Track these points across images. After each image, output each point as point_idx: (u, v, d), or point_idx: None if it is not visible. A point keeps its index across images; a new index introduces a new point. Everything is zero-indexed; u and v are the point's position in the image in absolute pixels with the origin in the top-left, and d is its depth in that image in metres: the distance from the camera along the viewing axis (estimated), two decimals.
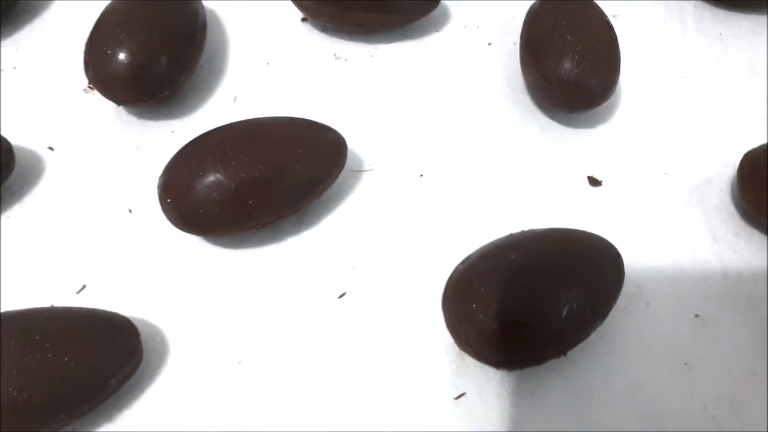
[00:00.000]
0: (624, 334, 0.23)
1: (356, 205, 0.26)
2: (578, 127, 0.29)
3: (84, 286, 0.24)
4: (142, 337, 0.21)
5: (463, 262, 0.22)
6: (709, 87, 0.30)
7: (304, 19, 0.31)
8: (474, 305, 0.20)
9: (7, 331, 0.19)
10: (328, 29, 0.31)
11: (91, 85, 0.27)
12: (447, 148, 0.28)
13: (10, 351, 0.19)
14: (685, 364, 0.23)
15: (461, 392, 0.22)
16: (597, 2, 0.30)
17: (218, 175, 0.22)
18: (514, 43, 0.30)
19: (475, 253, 0.22)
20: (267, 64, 0.30)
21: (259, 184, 0.23)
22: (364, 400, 0.22)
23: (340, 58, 0.30)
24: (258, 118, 0.25)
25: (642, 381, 0.22)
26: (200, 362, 0.22)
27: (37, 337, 0.19)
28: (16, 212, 0.25)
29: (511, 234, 0.23)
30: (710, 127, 0.29)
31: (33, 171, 0.26)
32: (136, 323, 0.22)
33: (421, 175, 0.27)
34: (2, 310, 0.21)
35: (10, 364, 0.19)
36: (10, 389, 0.19)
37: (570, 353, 0.21)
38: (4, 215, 0.25)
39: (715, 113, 0.29)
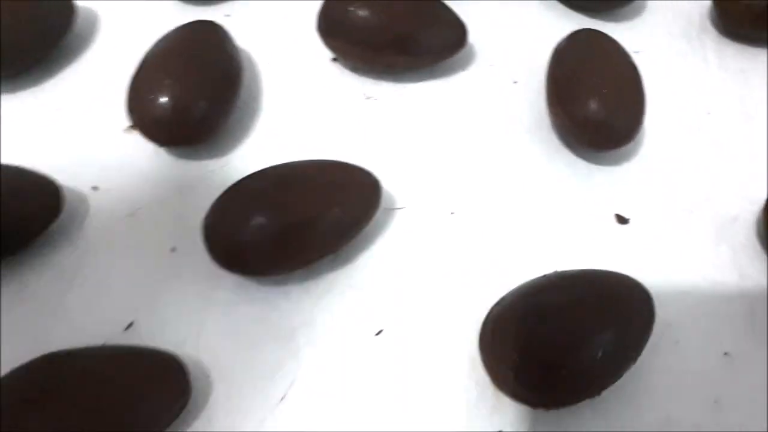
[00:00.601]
0: (654, 372, 0.24)
1: (390, 243, 0.27)
2: (604, 164, 0.29)
3: (131, 324, 0.24)
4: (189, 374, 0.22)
5: (498, 303, 0.23)
6: (733, 123, 0.31)
7: (334, 59, 0.32)
8: (511, 348, 0.21)
9: (66, 370, 0.20)
10: (359, 69, 0.32)
11: (132, 126, 0.28)
12: (476, 185, 0.28)
13: (69, 390, 0.20)
14: (715, 401, 0.23)
15: (497, 430, 0.22)
16: (620, 37, 0.31)
17: (263, 219, 0.23)
18: (540, 81, 0.31)
19: (510, 294, 0.23)
20: (300, 103, 0.31)
21: (301, 227, 0.24)
22: None
23: (370, 97, 0.31)
24: (297, 162, 0.26)
25: (673, 418, 0.23)
26: (244, 399, 0.23)
27: (95, 376, 0.20)
28: (65, 251, 0.26)
29: (545, 275, 0.23)
30: (734, 164, 0.30)
31: (80, 211, 0.27)
32: (181, 360, 0.22)
33: (452, 213, 0.28)
34: (57, 349, 0.22)
35: (68, 404, 0.20)
36: (69, 429, 0.19)
37: (603, 393, 0.22)
38: (54, 254, 0.26)
39: (739, 150, 0.30)
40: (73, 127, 0.29)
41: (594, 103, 0.27)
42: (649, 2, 0.35)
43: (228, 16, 0.33)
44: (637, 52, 0.32)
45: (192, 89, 0.27)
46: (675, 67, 0.33)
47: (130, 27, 0.33)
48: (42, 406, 0.20)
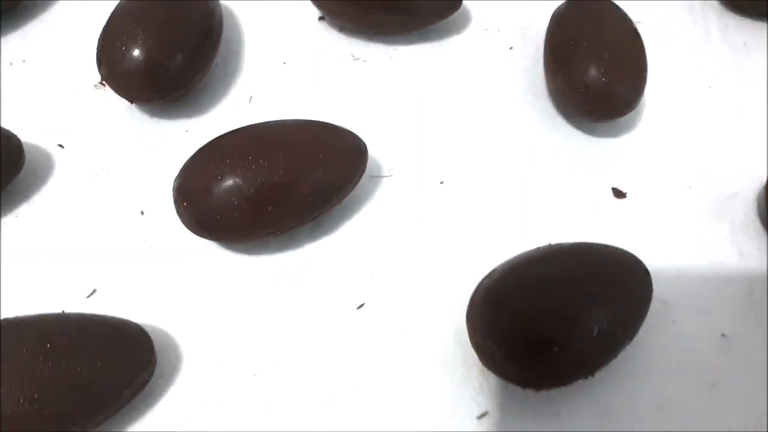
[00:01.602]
0: (650, 353, 0.23)
1: (375, 212, 0.25)
2: (601, 136, 0.28)
3: (94, 291, 0.23)
4: (156, 345, 0.21)
5: (488, 276, 0.21)
6: (734, 98, 0.30)
7: (321, 18, 0.30)
8: (500, 323, 0.20)
9: (17, 338, 0.19)
10: (346, 29, 0.30)
11: (102, 82, 0.26)
12: (467, 155, 0.27)
13: (21, 359, 0.18)
14: (712, 384, 0.22)
15: (484, 411, 0.21)
16: (621, 6, 0.29)
17: (237, 180, 0.22)
18: (537, 47, 0.30)
19: (500, 266, 0.21)
20: (283, 63, 0.29)
21: (279, 189, 0.22)
22: (382, 416, 0.21)
23: (358, 59, 0.29)
24: (278, 121, 0.24)
25: (669, 401, 0.22)
26: (214, 372, 0.22)
27: (49, 346, 0.19)
28: (25, 211, 0.25)
29: (538, 248, 0.22)
30: (735, 139, 0.28)
31: (42, 169, 0.26)
32: (147, 330, 0.21)
33: (442, 182, 0.26)
34: (12, 315, 0.20)
35: (22, 373, 0.18)
36: (21, 400, 0.18)
37: (596, 374, 0.21)
38: (12, 214, 0.24)
39: (740, 125, 0.29)
40: (40, 82, 0.28)
41: (594, 69, 0.26)
42: None
43: None
44: (638, 22, 0.31)
45: (167, 42, 0.25)
46: (676, 39, 0.32)
47: None
48: None
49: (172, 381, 0.21)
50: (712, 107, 0.29)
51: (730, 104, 0.29)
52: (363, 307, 0.23)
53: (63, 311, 0.21)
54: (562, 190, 0.26)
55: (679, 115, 0.29)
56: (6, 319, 0.20)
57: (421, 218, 0.25)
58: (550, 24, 0.29)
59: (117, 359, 0.20)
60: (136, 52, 0.25)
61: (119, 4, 0.27)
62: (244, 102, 0.28)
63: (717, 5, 0.33)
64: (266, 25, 0.30)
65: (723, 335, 0.23)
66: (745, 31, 0.32)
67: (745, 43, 0.32)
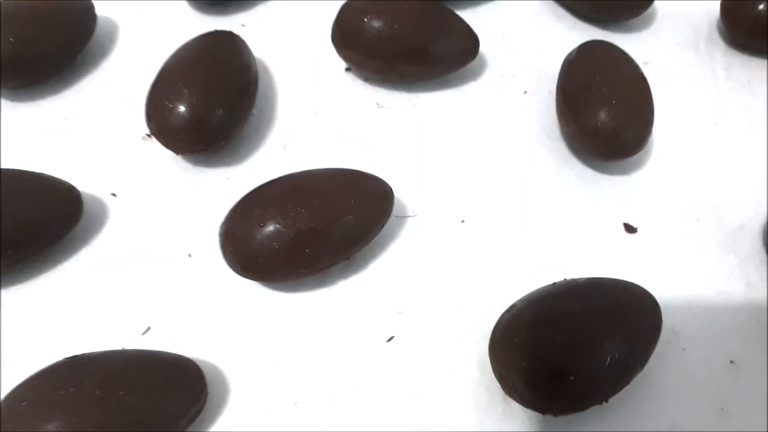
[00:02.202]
0: (661, 380, 0.24)
1: (402, 251, 0.27)
2: (613, 174, 0.30)
3: (149, 328, 0.25)
4: (205, 377, 0.23)
5: (508, 311, 0.23)
6: (740, 134, 0.31)
7: (347, 69, 0.33)
8: (521, 354, 0.21)
9: (87, 374, 0.21)
10: (371, 79, 0.32)
11: (150, 133, 0.29)
12: (486, 194, 0.29)
13: (89, 393, 0.20)
14: (722, 409, 0.24)
15: None
16: (629, 48, 0.31)
17: (278, 226, 0.24)
18: (549, 91, 0.32)
19: (519, 302, 0.23)
20: (314, 112, 0.31)
21: (315, 233, 0.24)
22: None
23: (382, 107, 0.32)
24: (312, 170, 0.26)
25: (679, 426, 0.23)
26: (259, 401, 0.24)
27: (115, 380, 0.21)
28: (84, 256, 0.27)
29: (554, 283, 0.24)
30: (741, 173, 0.30)
31: (98, 216, 0.28)
32: (198, 364, 0.23)
33: (463, 221, 0.28)
34: (77, 351, 0.22)
35: (90, 405, 0.20)
36: (90, 429, 0.20)
37: (610, 400, 0.22)
38: (73, 259, 0.27)
39: (745, 160, 0.30)
40: (93, 135, 0.30)
41: (604, 113, 0.28)
42: (658, 14, 0.36)
43: (244, 26, 0.34)
44: (646, 63, 0.33)
45: (209, 98, 0.28)
46: (683, 78, 0.33)
47: (148, 36, 0.33)
48: (64, 407, 0.20)
49: (221, 410, 0.23)
50: (718, 143, 0.31)
51: (735, 140, 0.31)
52: (393, 339, 0.25)
53: (123, 348, 0.23)
54: (577, 226, 0.28)
55: (687, 152, 0.31)
56: (75, 356, 0.22)
57: (445, 255, 0.27)
58: (561, 69, 0.31)
59: (173, 391, 0.22)
60: (181, 109, 0.27)
61: (165, 63, 0.29)
62: (279, 149, 0.30)
63: (722, 44, 0.35)
64: (298, 77, 0.32)
65: (731, 362, 0.25)
66: (749, 68, 0.34)
67: (749, 81, 0.33)
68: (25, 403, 0.20)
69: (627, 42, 0.33)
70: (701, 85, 0.33)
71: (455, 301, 0.26)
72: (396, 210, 0.27)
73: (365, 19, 0.30)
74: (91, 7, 0.32)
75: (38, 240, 0.26)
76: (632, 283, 0.24)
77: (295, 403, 0.24)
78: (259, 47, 0.32)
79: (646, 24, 0.35)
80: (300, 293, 0.26)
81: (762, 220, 0.28)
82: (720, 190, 0.29)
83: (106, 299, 0.26)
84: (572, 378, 0.21)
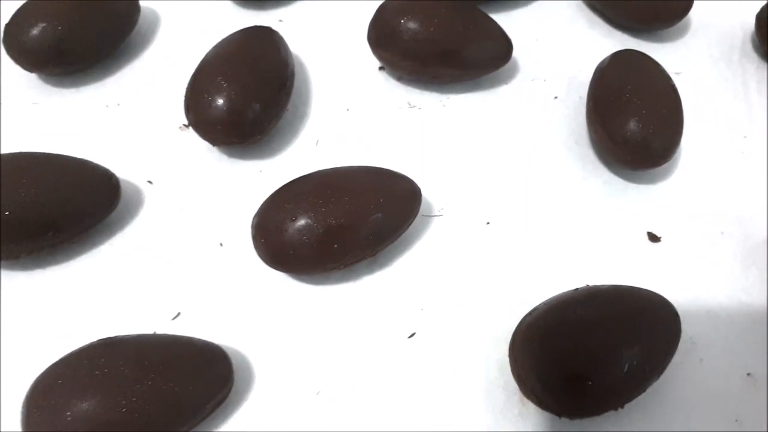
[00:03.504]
0: (678, 389, 0.25)
1: (427, 250, 0.28)
2: (640, 182, 0.30)
3: (179, 314, 0.26)
4: (232, 364, 0.24)
5: (530, 314, 0.24)
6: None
7: (381, 68, 0.33)
8: (540, 358, 0.22)
9: (120, 356, 0.22)
10: (404, 78, 0.33)
11: (187, 124, 0.29)
12: (513, 197, 0.29)
13: (123, 375, 0.21)
14: (736, 420, 0.24)
15: None
16: (662, 58, 0.32)
17: (308, 220, 0.24)
18: (580, 97, 0.32)
19: (541, 305, 0.24)
20: (347, 110, 0.32)
21: (344, 229, 0.25)
22: None
23: (414, 106, 0.32)
24: (342, 167, 0.27)
25: None
26: (283, 389, 0.25)
27: (146, 363, 0.22)
28: (119, 241, 0.28)
29: (576, 289, 0.24)
30: (766, 187, 0.30)
31: (134, 203, 0.29)
32: (226, 351, 0.24)
33: (488, 223, 0.29)
34: (111, 334, 0.23)
35: (123, 385, 0.21)
36: (124, 410, 0.21)
37: (626, 406, 0.23)
38: (108, 243, 0.28)
39: None
40: (132, 123, 0.31)
41: (633, 122, 0.28)
42: (692, 25, 0.36)
43: (281, 21, 0.35)
44: (678, 73, 0.33)
45: (246, 92, 0.28)
46: (714, 90, 0.34)
47: (189, 29, 0.34)
48: (97, 387, 0.21)
49: (247, 396, 0.24)
50: (746, 156, 0.31)
51: (763, 154, 0.31)
52: (414, 336, 0.26)
53: (155, 332, 0.24)
54: (601, 233, 0.28)
55: (714, 164, 0.31)
56: (109, 338, 0.23)
57: (469, 256, 0.28)
58: (593, 76, 0.31)
59: (201, 376, 0.23)
60: (220, 102, 0.28)
61: (205, 56, 0.30)
62: (312, 145, 0.31)
63: (755, 57, 0.35)
64: (332, 74, 0.33)
65: (748, 374, 0.25)
66: None
67: None
68: (60, 381, 0.21)
69: (660, 51, 0.34)
70: (732, 97, 0.33)
71: (477, 301, 0.26)
72: (423, 209, 0.28)
73: (401, 20, 0.30)
74: None
75: (77, 223, 0.27)
76: (653, 292, 0.24)
77: (318, 393, 0.24)
78: (295, 43, 0.33)
79: (680, 34, 0.35)
80: (326, 286, 0.27)
81: None
82: (745, 202, 0.30)
83: (140, 284, 0.27)
84: (589, 382, 0.21)
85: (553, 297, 0.24)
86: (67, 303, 0.26)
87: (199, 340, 0.24)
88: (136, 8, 0.33)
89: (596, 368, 0.22)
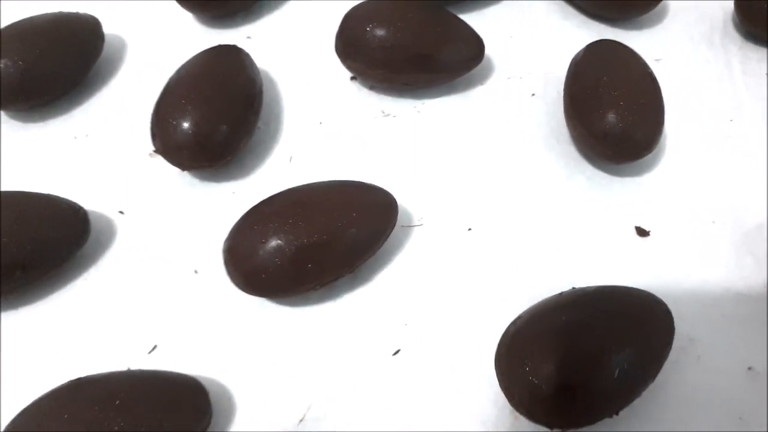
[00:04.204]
0: (675, 389, 0.24)
1: (407, 261, 0.27)
2: (624, 176, 0.29)
3: (155, 347, 0.25)
4: (210, 396, 0.23)
5: (514, 323, 0.23)
6: (756, 130, 0.30)
7: (353, 78, 0.32)
8: (527, 368, 0.21)
9: (90, 397, 0.21)
10: (376, 87, 0.32)
11: (155, 151, 0.29)
12: (494, 201, 0.29)
13: (93, 416, 0.21)
14: (740, 418, 0.23)
15: None
16: (641, 45, 0.31)
17: (279, 242, 0.24)
18: (558, 92, 0.31)
19: (525, 313, 0.23)
20: (319, 123, 0.31)
21: (317, 248, 0.24)
22: None
23: (388, 114, 0.31)
24: (313, 184, 0.26)
25: None
26: (264, 419, 0.24)
27: (118, 402, 0.21)
28: (92, 275, 0.27)
29: (561, 293, 0.23)
30: (758, 171, 0.29)
31: (105, 234, 0.28)
32: (203, 381, 0.23)
33: (470, 229, 0.28)
34: (84, 371, 0.23)
35: (95, 428, 0.20)
36: None
37: (621, 412, 0.22)
38: (82, 278, 0.27)
39: (762, 157, 0.29)
40: (101, 154, 0.31)
41: (612, 115, 0.27)
42: (670, 9, 0.35)
43: (249, 38, 0.34)
44: (658, 59, 0.32)
45: (213, 114, 0.28)
46: (697, 74, 0.33)
47: (156, 52, 0.34)
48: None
49: (227, 428, 0.23)
50: (734, 140, 0.30)
51: (751, 137, 0.30)
52: (399, 353, 0.25)
53: (128, 368, 0.24)
54: (587, 232, 0.27)
55: (701, 150, 0.30)
56: (79, 379, 0.22)
57: (451, 265, 0.27)
58: (568, 71, 0.30)
59: (177, 411, 0.22)
60: (185, 126, 0.27)
61: (168, 81, 0.29)
62: (285, 162, 0.30)
63: (737, 37, 0.34)
64: (303, 88, 0.32)
65: (750, 368, 0.24)
66: (766, 62, 0.33)
67: (766, 74, 0.32)
68: (29, 429, 0.21)
69: (638, 39, 0.33)
70: (716, 80, 0.32)
71: (462, 312, 0.26)
72: (402, 219, 0.27)
73: (367, 28, 0.29)
74: (99, 25, 0.33)
75: (47, 261, 0.26)
76: (642, 290, 0.23)
77: (301, 420, 0.24)
78: (264, 59, 0.32)
79: (658, 19, 0.35)
80: (305, 307, 0.26)
81: None
82: (736, 189, 0.29)
83: (115, 318, 0.26)
84: (580, 391, 0.20)
85: (537, 303, 0.23)
86: (40, 343, 0.25)
87: (174, 373, 0.23)
88: (100, 36, 0.33)
89: (586, 376, 0.21)
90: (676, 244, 0.27)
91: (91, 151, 0.31)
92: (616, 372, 0.21)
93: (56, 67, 0.31)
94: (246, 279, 0.24)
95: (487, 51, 0.31)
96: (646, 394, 0.22)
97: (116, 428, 0.21)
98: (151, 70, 0.33)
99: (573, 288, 0.24)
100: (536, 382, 0.21)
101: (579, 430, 0.22)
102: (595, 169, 0.29)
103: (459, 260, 0.27)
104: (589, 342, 0.21)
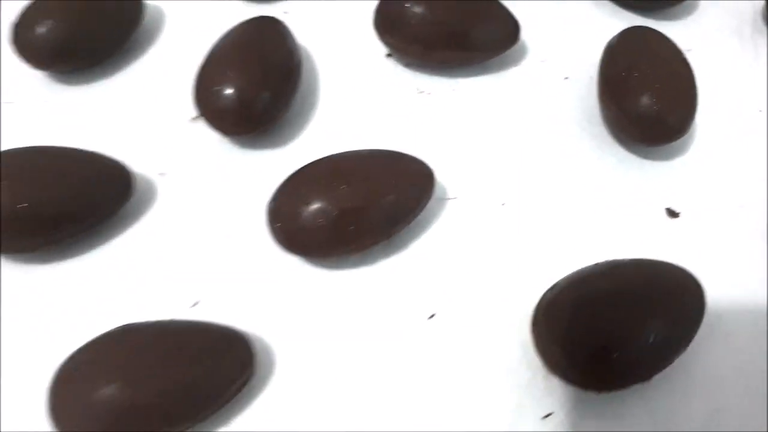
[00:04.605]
0: (705, 363, 0.24)
1: (442, 232, 0.28)
2: (655, 159, 0.30)
3: (197, 302, 0.26)
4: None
5: (551, 289, 0.23)
6: None
7: (388, 55, 0.33)
8: (564, 330, 0.22)
9: (140, 341, 0.22)
10: (412, 65, 0.33)
11: (198, 116, 0.29)
12: (527, 178, 0.29)
13: (143, 360, 0.21)
14: (766, 392, 0.24)
15: (549, 412, 0.23)
16: (671, 35, 0.31)
17: (322, 203, 0.24)
18: (591, 77, 0.32)
19: (562, 280, 0.24)
20: (356, 98, 0.32)
21: (358, 212, 0.25)
22: (454, 416, 0.23)
23: (423, 92, 0.32)
24: (355, 151, 0.27)
25: (722, 408, 0.23)
26: (304, 373, 0.24)
27: (166, 348, 0.22)
28: (134, 233, 0.28)
29: (596, 263, 0.24)
30: None
31: (148, 195, 0.29)
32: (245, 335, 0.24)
33: (503, 204, 0.28)
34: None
35: (144, 371, 0.21)
36: (146, 395, 0.21)
37: (653, 379, 0.22)
38: (124, 236, 0.28)
39: None
40: (143, 118, 0.31)
41: (646, 98, 0.28)
42: (701, 1, 0.35)
43: (286, 13, 0.35)
44: (688, 50, 0.32)
45: (255, 82, 0.28)
46: (727, 66, 0.33)
47: (194, 23, 0.34)
48: (118, 372, 0.21)
49: (268, 380, 0.24)
50: (762, 130, 0.31)
51: None
52: (434, 317, 0.25)
53: (173, 319, 0.24)
54: (618, 212, 0.28)
55: (731, 138, 0.30)
56: (128, 324, 0.23)
57: (485, 237, 0.27)
58: (603, 55, 0.31)
59: (222, 360, 0.22)
60: (229, 92, 0.28)
61: (212, 48, 0.30)
62: (322, 133, 0.31)
63: (766, 31, 0.35)
64: (340, 64, 0.33)
65: None
66: None
67: None
68: (82, 366, 0.21)
69: (669, 29, 0.33)
70: (745, 72, 0.33)
71: (496, 280, 0.26)
72: (437, 193, 0.28)
73: (407, 5, 0.30)
74: None
75: (92, 215, 0.26)
76: (675, 265, 0.24)
77: (338, 375, 0.24)
78: (301, 34, 0.32)
79: (689, 11, 0.35)
80: (343, 271, 0.27)
81: None
82: (763, 175, 0.29)
83: (156, 274, 0.27)
84: (615, 354, 0.21)
85: (574, 272, 0.24)
86: (84, 294, 0.26)
87: (218, 325, 0.24)
88: (140, 5, 0.33)
89: (621, 340, 0.21)
90: (705, 226, 0.28)
91: (133, 115, 0.31)
92: (651, 338, 0.21)
93: (99, 32, 0.31)
94: (289, 238, 0.25)
95: (522, 34, 0.32)
96: (677, 365, 0.23)
97: (162, 373, 0.21)
98: (189, 40, 0.33)
99: (607, 260, 0.24)
100: (573, 344, 0.21)
101: (611, 393, 0.22)
102: (627, 151, 0.30)
103: (493, 233, 0.28)
104: (626, 308, 0.22)
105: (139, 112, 0.31)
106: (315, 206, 0.24)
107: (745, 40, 0.34)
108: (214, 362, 0.22)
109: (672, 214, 0.28)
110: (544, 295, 0.23)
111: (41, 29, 0.30)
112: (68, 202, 0.25)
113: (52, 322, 0.25)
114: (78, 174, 0.26)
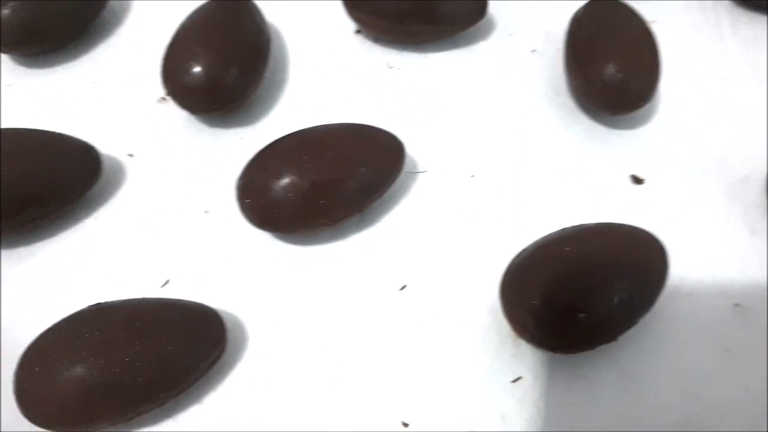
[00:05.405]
0: (669, 322, 0.25)
1: (413, 204, 0.28)
2: (621, 128, 0.30)
3: (167, 281, 0.26)
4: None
5: (518, 255, 0.24)
6: (745, 89, 0.32)
7: (358, 31, 0.33)
8: (531, 294, 0.22)
9: (112, 319, 0.22)
10: (382, 40, 0.33)
11: (164, 96, 0.29)
12: (496, 150, 0.29)
13: (115, 337, 0.21)
14: (726, 350, 0.25)
15: (518, 376, 0.24)
16: (635, 7, 0.32)
17: (293, 178, 0.24)
18: (557, 49, 0.32)
19: (530, 246, 0.24)
20: (325, 74, 0.32)
21: (329, 185, 0.25)
22: (426, 384, 0.24)
23: (393, 67, 0.32)
24: (325, 125, 0.27)
25: (686, 366, 0.24)
26: (276, 348, 0.25)
27: (138, 325, 0.22)
28: (103, 214, 0.28)
29: (563, 228, 0.24)
30: (746, 127, 0.30)
31: (116, 176, 0.29)
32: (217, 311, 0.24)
33: (473, 176, 0.29)
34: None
35: (116, 347, 0.21)
36: (119, 371, 0.21)
37: (619, 340, 0.23)
38: (92, 217, 0.28)
39: (750, 114, 0.31)
40: (110, 98, 0.31)
41: (610, 66, 0.28)
42: None
43: None
44: (652, 21, 0.33)
45: (223, 59, 0.28)
46: (690, 36, 0.34)
47: (161, 3, 0.34)
48: (90, 349, 0.21)
49: (240, 356, 0.24)
50: (724, 98, 0.31)
51: (741, 95, 0.31)
52: (405, 288, 0.26)
53: (144, 297, 0.24)
54: (585, 178, 0.29)
55: (693, 106, 0.31)
56: (98, 304, 0.23)
57: (455, 208, 0.28)
58: (569, 26, 0.31)
59: (194, 336, 0.23)
60: (197, 69, 0.28)
61: (180, 26, 0.30)
62: (291, 110, 0.31)
63: (728, 3, 0.35)
64: (309, 40, 0.33)
65: (736, 305, 0.25)
66: (755, 25, 0.34)
67: (755, 37, 0.34)
68: (52, 345, 0.21)
69: (634, 1, 0.34)
70: (708, 42, 0.34)
71: (465, 250, 0.27)
72: (408, 166, 0.28)
73: None
74: None
75: (60, 197, 0.26)
76: (639, 228, 0.24)
77: (310, 349, 0.24)
78: (270, 11, 0.32)
79: None
80: (315, 246, 0.27)
81: (766, 171, 0.29)
82: (725, 142, 0.30)
83: (126, 255, 0.27)
84: (582, 315, 0.21)
85: (540, 238, 0.24)
86: (54, 275, 0.26)
87: (190, 302, 0.24)
88: None
89: (587, 301, 0.22)
90: (668, 191, 0.28)
91: (99, 97, 0.31)
92: (616, 299, 0.22)
93: (63, 13, 0.31)
94: (259, 213, 0.25)
95: (490, 9, 0.32)
96: (642, 325, 0.23)
97: (135, 349, 0.21)
98: (156, 20, 0.33)
99: (573, 225, 0.25)
100: (540, 306, 0.22)
101: (579, 354, 0.23)
102: (593, 121, 0.30)
103: (462, 204, 0.28)
104: (592, 270, 0.22)
105: (107, 93, 0.31)
106: (285, 180, 0.24)
107: (707, 11, 0.35)
108: (186, 338, 0.22)
109: (637, 180, 0.29)
110: (512, 261, 0.24)
111: (4, 11, 0.30)
112: (36, 184, 0.25)
113: (23, 303, 0.25)
114: (45, 156, 0.26)
